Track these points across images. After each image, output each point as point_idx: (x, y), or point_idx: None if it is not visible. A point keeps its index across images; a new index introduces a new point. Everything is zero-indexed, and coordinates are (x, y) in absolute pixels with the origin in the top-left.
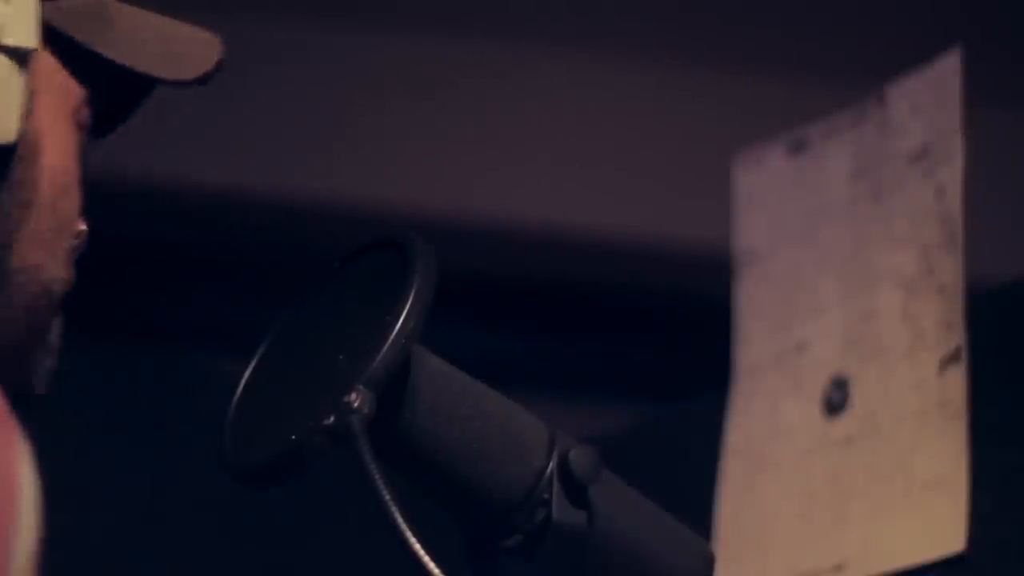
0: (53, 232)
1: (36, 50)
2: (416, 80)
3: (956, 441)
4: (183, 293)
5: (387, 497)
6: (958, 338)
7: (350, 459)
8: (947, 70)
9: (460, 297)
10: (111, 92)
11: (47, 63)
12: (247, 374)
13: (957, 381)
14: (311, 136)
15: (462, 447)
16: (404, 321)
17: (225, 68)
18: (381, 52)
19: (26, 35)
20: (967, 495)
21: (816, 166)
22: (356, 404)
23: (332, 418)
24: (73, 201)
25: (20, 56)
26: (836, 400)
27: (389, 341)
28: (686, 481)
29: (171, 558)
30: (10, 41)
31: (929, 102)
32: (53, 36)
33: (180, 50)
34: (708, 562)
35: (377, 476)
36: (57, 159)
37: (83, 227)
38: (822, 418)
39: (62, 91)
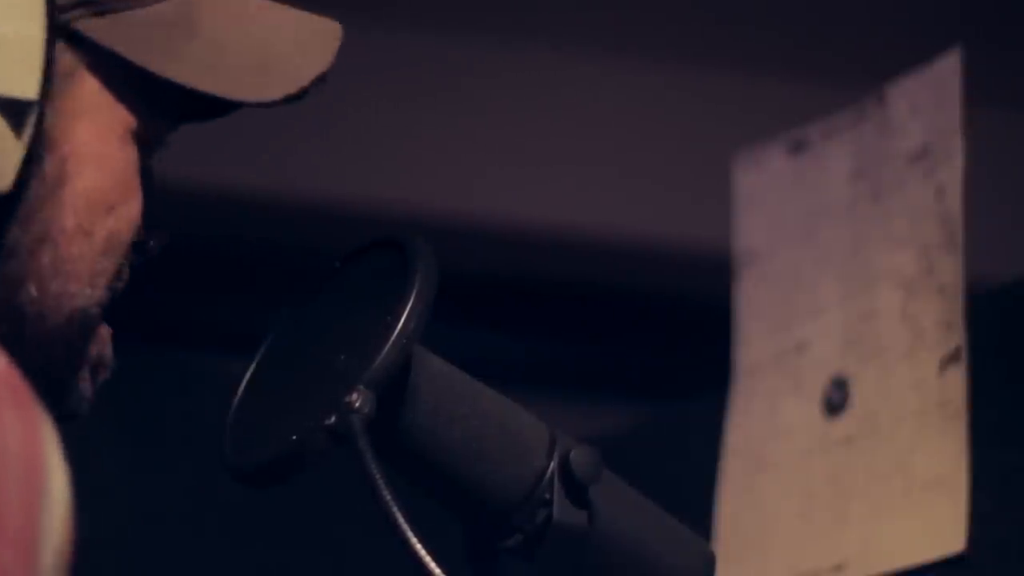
0: (85, 258)
1: (33, 100)
2: (416, 80)
3: (956, 441)
4: (183, 293)
5: (388, 497)
6: (958, 338)
7: (350, 459)
8: (947, 70)
9: (460, 297)
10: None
11: (90, 86)
12: (248, 374)
13: (957, 381)
14: (311, 136)
15: (463, 447)
16: (405, 321)
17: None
18: (381, 52)
19: (21, 83)
20: (967, 495)
21: (816, 166)
22: (357, 404)
23: (333, 418)
24: (121, 219)
25: (15, 105)
26: (836, 400)
27: (390, 341)
28: (686, 481)
29: (171, 558)
30: (2, 90)
31: (929, 102)
32: (104, 57)
33: (275, 58)
34: (708, 562)
35: (378, 476)
36: (95, 182)
37: (148, 238)
38: (822, 418)
39: (109, 112)
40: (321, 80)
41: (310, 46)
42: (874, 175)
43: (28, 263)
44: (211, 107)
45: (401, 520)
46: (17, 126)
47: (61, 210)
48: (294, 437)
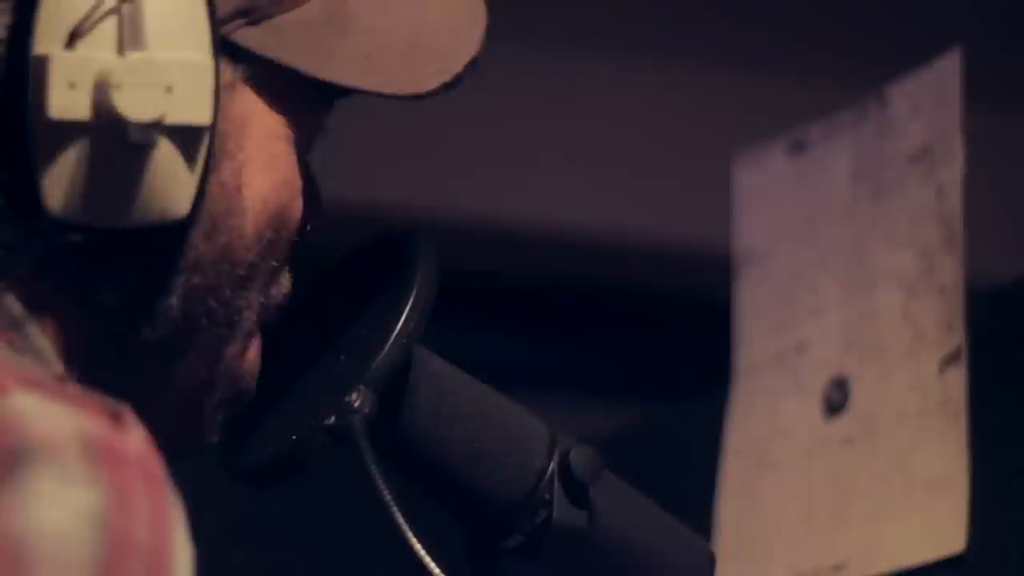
0: (257, 263)
1: (208, 125)
2: None
3: (956, 441)
4: None
5: (388, 497)
6: (958, 338)
7: (350, 459)
8: (947, 70)
9: (460, 297)
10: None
11: (251, 95)
12: None
13: (957, 381)
14: None
15: (463, 447)
16: (405, 321)
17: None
18: None
19: (196, 110)
20: (967, 495)
21: (816, 166)
22: (357, 404)
23: (333, 418)
24: (289, 220)
25: (191, 132)
26: (836, 400)
27: (390, 341)
28: (686, 481)
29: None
30: (176, 120)
31: (929, 102)
32: (261, 64)
33: (426, 46)
34: (708, 562)
35: (378, 476)
36: (269, 186)
37: (305, 227)
38: (822, 418)
39: (271, 116)
40: (474, 64)
41: (459, 29)
42: (874, 175)
43: (212, 274)
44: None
45: (401, 520)
46: (192, 152)
47: (244, 217)
48: (294, 437)
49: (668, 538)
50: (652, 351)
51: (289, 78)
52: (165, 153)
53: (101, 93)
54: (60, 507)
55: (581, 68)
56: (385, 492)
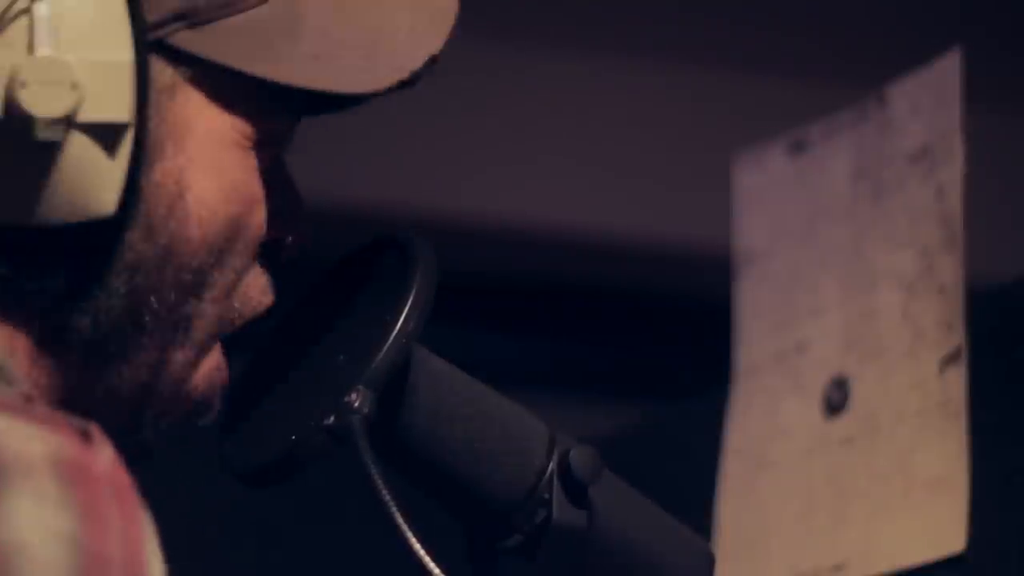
0: (207, 269)
1: (125, 123)
2: None
3: (956, 441)
4: None
5: (387, 497)
6: (958, 338)
7: (350, 459)
8: (947, 70)
9: (460, 297)
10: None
11: (196, 98)
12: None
13: (957, 381)
14: (311, 136)
15: (462, 447)
16: (404, 321)
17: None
18: None
19: (112, 107)
20: (967, 495)
21: (816, 166)
22: (356, 404)
23: (332, 418)
24: (244, 228)
25: (109, 129)
26: (836, 400)
27: (389, 341)
28: (686, 481)
29: (171, 558)
30: (90, 116)
31: (929, 102)
32: (206, 68)
33: (384, 45)
34: (708, 562)
35: (377, 476)
36: (216, 191)
37: (284, 236)
38: (822, 418)
39: (221, 120)
40: (433, 62)
41: (420, 28)
42: (874, 175)
43: (155, 276)
44: (332, 99)
45: (401, 520)
46: (112, 149)
47: (186, 220)
48: (294, 437)
49: (668, 538)
50: (652, 351)
51: (238, 82)
52: (82, 150)
53: (10, 91)
54: (36, 530)
55: (581, 68)
56: (385, 492)
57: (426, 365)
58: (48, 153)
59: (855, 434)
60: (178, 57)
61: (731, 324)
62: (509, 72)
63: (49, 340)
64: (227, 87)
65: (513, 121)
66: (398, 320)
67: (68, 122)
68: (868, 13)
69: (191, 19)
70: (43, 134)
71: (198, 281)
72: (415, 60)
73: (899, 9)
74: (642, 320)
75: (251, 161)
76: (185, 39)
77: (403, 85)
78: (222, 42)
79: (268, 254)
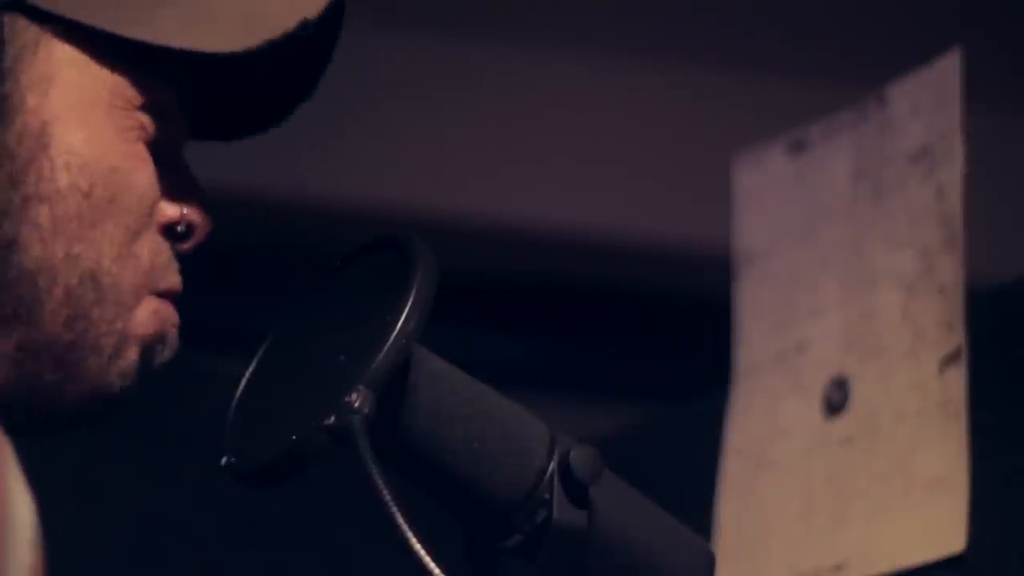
0: (85, 217)
1: None
2: (416, 80)
3: (956, 441)
4: (183, 293)
5: (388, 497)
6: (958, 338)
7: (351, 459)
8: (947, 70)
9: (460, 297)
10: (210, 86)
11: (59, 54)
12: (248, 374)
13: (957, 381)
14: (311, 136)
15: (463, 447)
16: (405, 321)
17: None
18: (381, 52)
19: None
20: (967, 495)
21: (816, 166)
22: (357, 404)
23: (333, 418)
24: (125, 185)
25: None
26: (836, 400)
27: (390, 341)
28: (686, 481)
29: (171, 558)
30: None
31: (929, 102)
32: (71, 25)
33: (260, 9)
34: (708, 562)
35: (378, 476)
36: (85, 143)
37: (177, 216)
38: (822, 418)
39: (89, 76)
40: (306, 27)
41: None
42: (874, 175)
43: (24, 222)
44: (204, 61)
45: (401, 520)
46: None
47: (52, 170)
48: (294, 437)
49: (668, 538)
50: (652, 351)
51: (105, 42)
52: None
53: None
54: None
55: (581, 68)
56: (385, 492)
57: (426, 365)
58: None
59: (855, 434)
60: (39, 16)
61: (731, 324)
62: (509, 72)
63: None
64: (95, 46)
65: (513, 121)
66: (398, 320)
67: None
68: (868, 13)
69: None
70: None
71: (86, 231)
72: (288, 21)
73: (899, 9)
74: (642, 320)
75: (130, 122)
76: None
77: (274, 46)
78: (86, 3)
79: (169, 236)
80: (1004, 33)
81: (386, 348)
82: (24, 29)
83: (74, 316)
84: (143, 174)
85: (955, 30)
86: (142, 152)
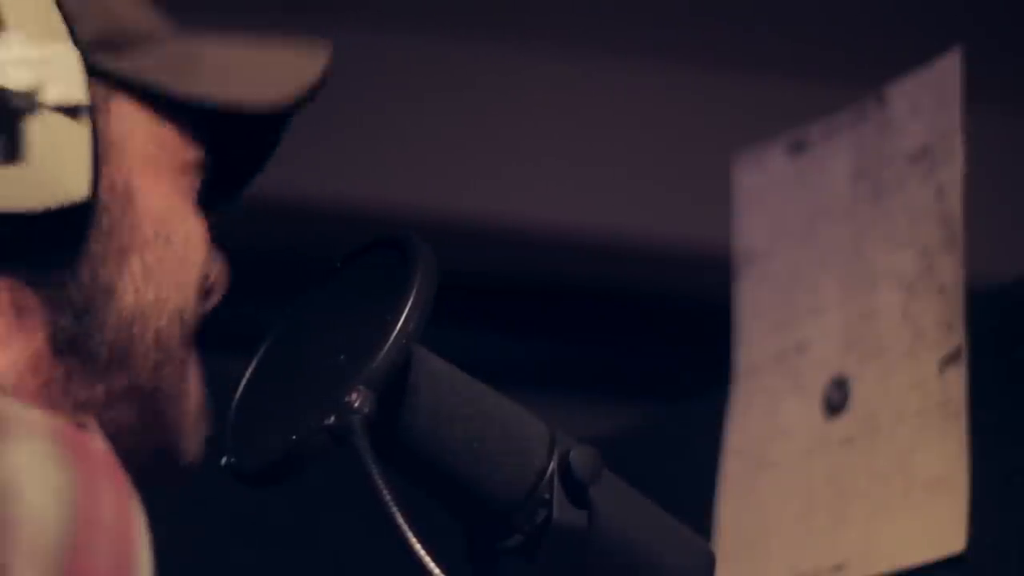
0: (169, 264)
1: (85, 104)
2: (416, 80)
3: (956, 441)
4: None
5: (388, 497)
6: (958, 338)
7: (351, 459)
8: (947, 70)
9: (460, 297)
10: (227, 139)
11: (133, 116)
12: (248, 374)
13: (957, 381)
14: (311, 136)
15: (463, 447)
16: (405, 321)
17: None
18: (381, 52)
19: (70, 90)
20: (967, 495)
21: (816, 166)
22: (357, 404)
23: (333, 418)
24: (192, 231)
25: (70, 111)
26: (836, 400)
27: (390, 341)
28: (686, 481)
29: (171, 558)
30: (53, 97)
31: (929, 102)
32: (132, 90)
33: (276, 71)
34: (708, 562)
35: (378, 476)
36: (160, 195)
37: (216, 269)
38: (822, 418)
39: (155, 142)
40: (321, 82)
41: (301, 60)
42: (874, 175)
43: (120, 271)
44: (238, 119)
45: (401, 520)
46: (77, 130)
47: (140, 220)
48: (294, 437)
49: (668, 538)
50: (652, 351)
51: (151, 103)
52: (49, 134)
53: None
54: (33, 479)
55: (581, 68)
56: (385, 492)
57: (426, 365)
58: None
59: (855, 434)
60: (104, 77)
61: (731, 324)
62: (509, 73)
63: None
64: (146, 108)
65: (513, 121)
66: (398, 320)
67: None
68: (868, 13)
69: (113, 46)
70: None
71: (164, 276)
72: (312, 75)
73: (899, 9)
74: (642, 320)
75: (185, 180)
76: (108, 60)
77: (300, 100)
78: (138, 65)
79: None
80: (1004, 33)
81: (386, 348)
82: (97, 91)
83: (174, 363)
84: (201, 228)
85: (955, 30)
86: (194, 207)
